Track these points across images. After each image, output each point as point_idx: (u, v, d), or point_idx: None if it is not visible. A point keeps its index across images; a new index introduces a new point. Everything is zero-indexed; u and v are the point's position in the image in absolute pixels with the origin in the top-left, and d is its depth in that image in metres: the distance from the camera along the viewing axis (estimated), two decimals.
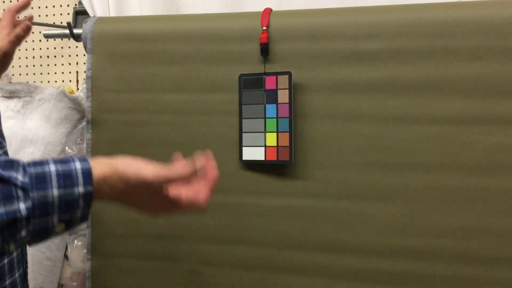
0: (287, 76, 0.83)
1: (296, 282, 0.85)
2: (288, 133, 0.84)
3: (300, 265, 0.85)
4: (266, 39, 0.83)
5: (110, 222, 0.94)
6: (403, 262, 0.80)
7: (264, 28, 0.84)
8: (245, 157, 0.86)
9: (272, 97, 0.85)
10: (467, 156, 0.78)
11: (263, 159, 0.85)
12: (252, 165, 0.87)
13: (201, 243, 0.90)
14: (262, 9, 0.87)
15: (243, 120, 0.86)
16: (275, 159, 0.85)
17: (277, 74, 0.84)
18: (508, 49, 0.76)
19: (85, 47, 0.95)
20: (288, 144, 0.84)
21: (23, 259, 0.68)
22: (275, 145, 0.85)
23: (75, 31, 0.99)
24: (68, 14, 1.22)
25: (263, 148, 0.85)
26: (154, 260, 0.93)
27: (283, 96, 0.84)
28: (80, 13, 1.18)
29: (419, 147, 0.79)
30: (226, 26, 0.87)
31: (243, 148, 0.86)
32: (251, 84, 0.85)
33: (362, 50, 0.81)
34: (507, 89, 0.77)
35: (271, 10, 0.86)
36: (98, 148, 0.93)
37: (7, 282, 0.59)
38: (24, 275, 0.67)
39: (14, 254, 0.64)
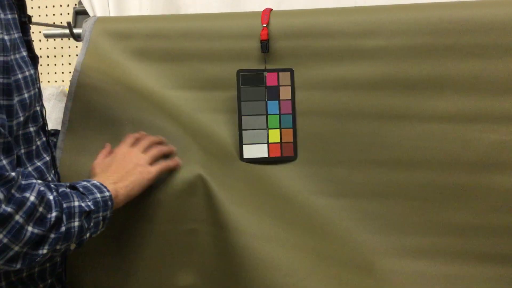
0: (289, 73, 0.83)
1: (294, 284, 0.80)
2: (292, 129, 0.84)
3: (298, 266, 0.82)
4: (267, 36, 0.83)
5: None
6: (404, 260, 0.79)
7: (264, 25, 0.84)
8: (246, 155, 0.85)
9: (273, 93, 0.85)
10: (468, 154, 0.78)
11: (266, 156, 0.85)
12: (254, 163, 0.85)
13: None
14: (262, 9, 0.87)
15: (242, 117, 0.85)
16: (279, 155, 0.84)
17: (278, 71, 0.84)
18: (509, 46, 0.77)
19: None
20: (292, 140, 0.84)
21: None
22: (279, 141, 0.85)
23: (75, 31, 0.98)
24: (68, 14, 1.22)
25: (266, 145, 0.85)
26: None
27: (285, 93, 0.84)
28: (80, 13, 1.19)
29: (421, 144, 0.79)
30: (226, 25, 0.87)
31: (244, 146, 0.85)
32: (250, 80, 0.85)
33: (362, 48, 0.81)
34: (507, 86, 0.77)
35: (271, 10, 0.87)
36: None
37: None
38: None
39: None
